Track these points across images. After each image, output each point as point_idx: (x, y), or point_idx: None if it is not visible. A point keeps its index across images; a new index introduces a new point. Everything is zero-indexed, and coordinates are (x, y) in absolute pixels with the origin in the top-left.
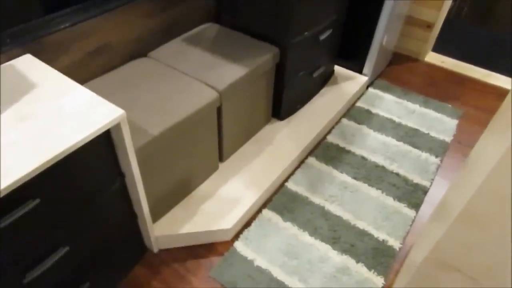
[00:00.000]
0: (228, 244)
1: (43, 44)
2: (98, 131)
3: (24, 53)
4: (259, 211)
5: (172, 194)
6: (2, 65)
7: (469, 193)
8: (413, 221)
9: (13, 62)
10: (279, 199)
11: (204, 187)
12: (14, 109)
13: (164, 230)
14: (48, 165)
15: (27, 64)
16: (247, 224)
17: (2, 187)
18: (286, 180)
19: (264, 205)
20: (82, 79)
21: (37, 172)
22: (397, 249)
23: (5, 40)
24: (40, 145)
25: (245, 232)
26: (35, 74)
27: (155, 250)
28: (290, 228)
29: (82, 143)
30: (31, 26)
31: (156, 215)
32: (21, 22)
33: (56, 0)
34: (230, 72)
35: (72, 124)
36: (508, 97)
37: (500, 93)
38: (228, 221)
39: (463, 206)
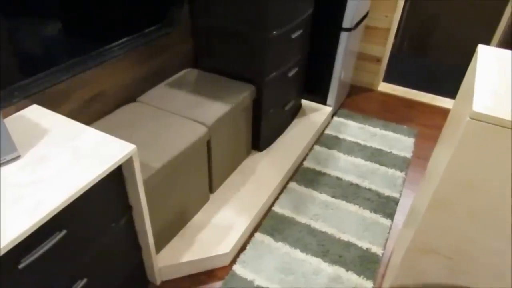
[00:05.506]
0: (227, 268)
1: (47, 95)
2: (115, 164)
3: (31, 104)
4: (251, 235)
5: (171, 225)
6: (14, 115)
7: (435, 183)
8: (390, 228)
9: (22, 112)
10: (269, 222)
11: (198, 218)
12: (33, 152)
13: (165, 261)
14: (73, 199)
15: (36, 113)
16: (242, 248)
17: (35, 221)
18: (272, 204)
19: (256, 229)
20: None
21: (65, 205)
22: (380, 254)
23: (14, 93)
24: (62, 181)
25: (242, 255)
26: (45, 121)
27: (158, 282)
28: (282, 247)
29: (102, 176)
30: (36, 80)
31: (158, 247)
32: (27, 76)
33: (57, 55)
34: (214, 109)
35: (89, 160)
36: (449, 116)
37: (445, 113)
38: (225, 247)
39: (431, 194)
